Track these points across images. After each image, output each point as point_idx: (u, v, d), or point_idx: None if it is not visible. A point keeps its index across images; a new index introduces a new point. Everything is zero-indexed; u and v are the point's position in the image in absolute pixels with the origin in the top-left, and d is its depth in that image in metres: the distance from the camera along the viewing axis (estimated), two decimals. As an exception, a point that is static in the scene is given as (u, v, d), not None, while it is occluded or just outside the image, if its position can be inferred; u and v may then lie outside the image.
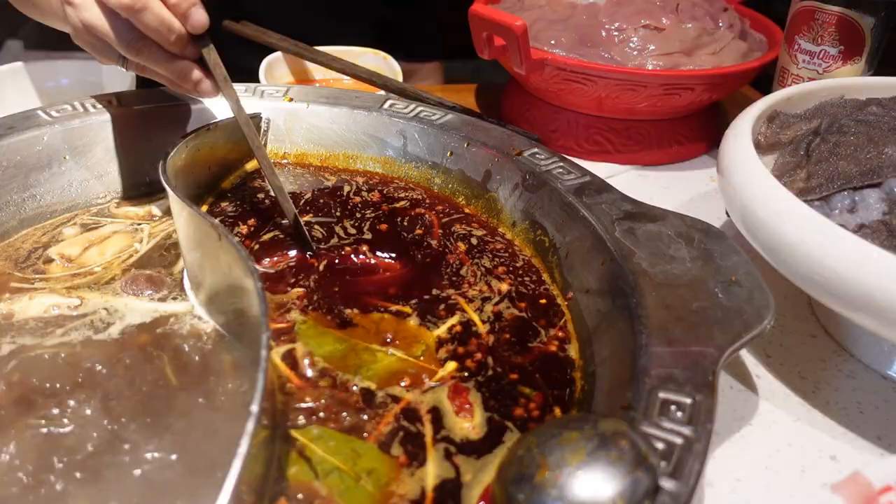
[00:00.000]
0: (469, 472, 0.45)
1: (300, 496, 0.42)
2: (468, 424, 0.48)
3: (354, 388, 0.50)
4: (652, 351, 0.46)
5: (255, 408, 0.37)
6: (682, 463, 0.38)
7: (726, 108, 0.97)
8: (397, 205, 0.69)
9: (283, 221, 0.65)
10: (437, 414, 0.49)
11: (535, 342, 0.55)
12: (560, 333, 0.55)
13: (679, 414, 0.41)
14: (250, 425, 0.36)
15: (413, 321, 0.56)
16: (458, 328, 0.56)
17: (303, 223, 0.63)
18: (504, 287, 0.60)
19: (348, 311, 0.57)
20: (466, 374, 0.52)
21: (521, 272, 0.62)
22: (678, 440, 0.40)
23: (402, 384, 0.51)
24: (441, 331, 0.56)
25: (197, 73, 0.61)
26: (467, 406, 0.49)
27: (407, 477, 0.44)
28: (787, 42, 0.81)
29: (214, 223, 0.49)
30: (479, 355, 0.53)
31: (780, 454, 0.52)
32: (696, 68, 0.81)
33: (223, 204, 0.68)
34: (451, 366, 0.53)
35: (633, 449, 0.37)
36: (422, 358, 0.53)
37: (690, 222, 0.57)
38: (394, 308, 0.57)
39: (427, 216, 0.68)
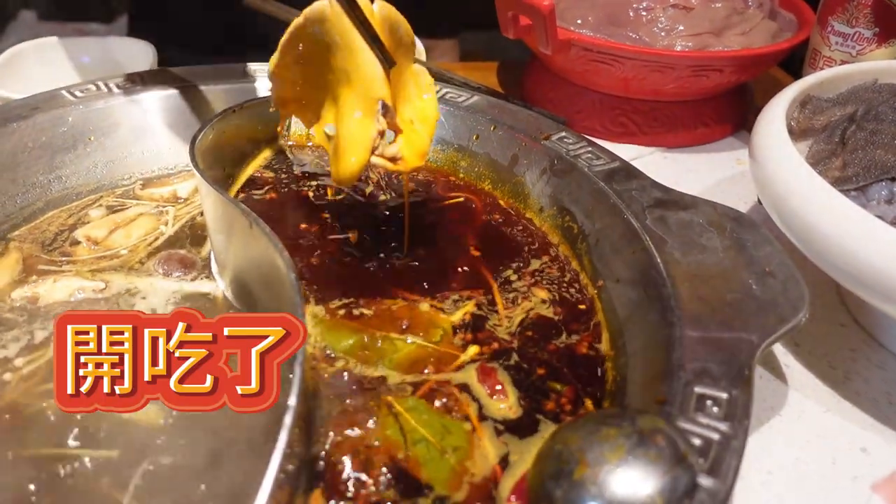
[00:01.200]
0: (516, 452, 0.45)
1: (385, 458, 0.44)
2: (503, 405, 0.48)
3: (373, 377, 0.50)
4: (686, 344, 0.45)
5: (293, 401, 0.37)
6: (719, 460, 0.38)
7: (753, 89, 0.95)
8: (420, 189, 0.69)
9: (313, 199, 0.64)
10: (470, 395, 0.49)
11: (564, 332, 0.54)
12: (590, 324, 0.55)
13: (715, 409, 0.41)
14: (288, 419, 0.36)
15: (425, 306, 0.56)
16: (473, 312, 0.56)
17: None
18: (530, 274, 0.60)
19: (363, 301, 0.56)
20: (490, 355, 0.52)
21: (548, 259, 0.61)
22: (715, 436, 0.39)
23: (426, 371, 0.50)
24: (457, 316, 0.55)
25: None
26: (499, 387, 0.49)
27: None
28: (819, 23, 0.79)
29: (246, 210, 0.48)
30: (495, 345, 0.53)
31: (810, 445, 0.52)
32: (726, 49, 0.79)
33: (250, 184, 0.68)
34: (473, 350, 0.52)
35: (672, 446, 0.37)
36: (441, 343, 0.53)
37: (722, 210, 0.56)
38: (408, 295, 0.57)
39: (450, 200, 0.67)
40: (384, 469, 0.43)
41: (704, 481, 0.37)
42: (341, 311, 0.55)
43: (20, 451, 0.43)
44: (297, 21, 0.54)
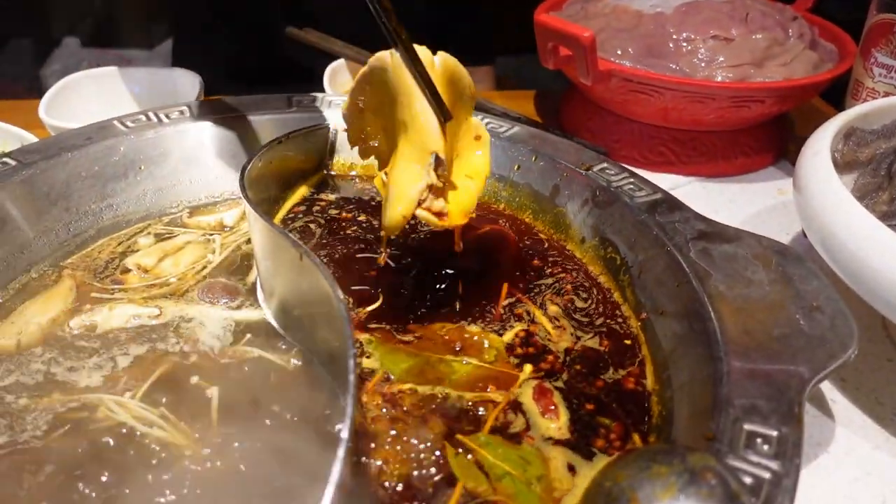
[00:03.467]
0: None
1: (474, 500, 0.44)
2: (554, 425, 0.49)
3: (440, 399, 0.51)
4: (734, 379, 0.45)
5: (345, 434, 0.37)
6: (771, 499, 0.38)
7: (793, 119, 0.95)
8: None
9: (354, 232, 0.65)
10: (522, 412, 0.50)
11: (609, 369, 0.54)
12: (635, 357, 0.55)
13: (766, 447, 0.41)
14: (341, 451, 0.37)
15: (474, 328, 0.57)
16: (523, 334, 0.57)
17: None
18: (573, 305, 0.60)
19: (411, 325, 0.57)
20: (544, 374, 0.53)
21: (590, 291, 0.61)
22: (766, 475, 0.39)
23: (489, 390, 0.51)
24: (508, 337, 0.56)
25: None
26: (552, 407, 0.50)
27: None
28: (861, 55, 0.79)
29: (296, 242, 0.49)
30: (548, 366, 0.54)
31: (859, 483, 0.51)
32: (767, 80, 0.79)
33: (295, 213, 0.69)
34: (529, 368, 0.53)
35: (724, 485, 0.36)
36: (496, 363, 0.54)
37: (767, 244, 0.56)
38: (457, 320, 0.58)
39: (492, 232, 0.68)
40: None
41: (757, 521, 0.37)
42: (396, 336, 0.56)
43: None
44: (363, 69, 0.55)
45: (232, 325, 0.56)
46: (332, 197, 0.72)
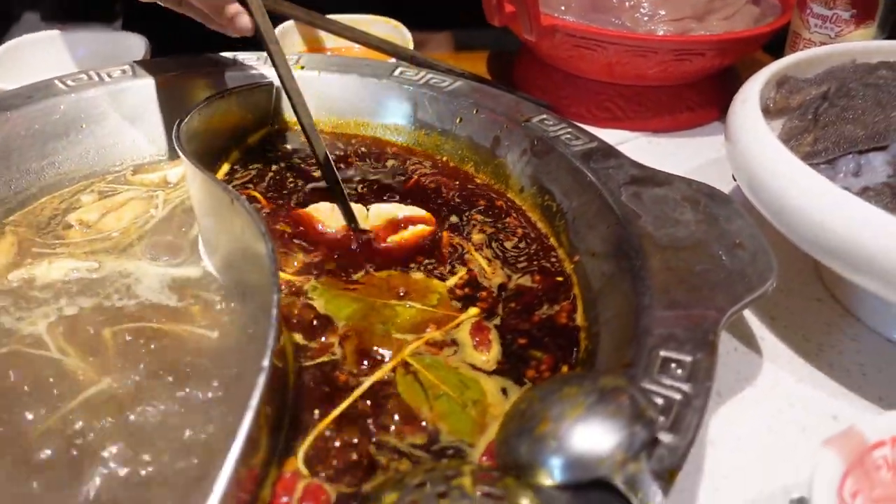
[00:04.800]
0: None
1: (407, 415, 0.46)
2: (484, 357, 0.51)
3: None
4: (654, 312, 0.46)
5: (265, 363, 0.38)
6: (680, 418, 0.39)
7: (740, 74, 0.96)
8: (405, 172, 0.70)
9: (300, 185, 0.66)
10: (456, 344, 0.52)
11: (543, 306, 0.56)
12: (567, 297, 0.56)
13: (679, 371, 0.42)
14: (261, 378, 0.38)
15: (418, 275, 0.58)
16: (466, 278, 0.58)
17: (332, 161, 0.66)
18: (512, 250, 0.61)
19: (356, 273, 0.58)
20: (484, 314, 0.55)
21: (528, 237, 0.63)
22: (677, 396, 0.41)
23: (428, 331, 0.53)
24: (451, 282, 0.58)
25: (234, 7, 0.62)
26: (487, 342, 0.52)
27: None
28: (798, 6, 0.80)
29: (227, 188, 0.50)
30: (485, 308, 0.55)
31: (781, 414, 0.53)
32: (707, 34, 0.80)
33: (237, 169, 0.70)
34: (474, 311, 0.55)
35: (632, 403, 0.38)
36: (439, 306, 0.55)
37: (696, 186, 0.58)
38: (402, 266, 0.59)
39: (433, 183, 0.69)
40: (399, 419, 0.46)
41: (665, 437, 0.38)
42: (339, 283, 0.57)
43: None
44: None
45: (171, 281, 0.57)
46: (279, 152, 0.72)
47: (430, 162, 0.72)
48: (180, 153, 0.56)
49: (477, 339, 0.52)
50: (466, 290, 0.57)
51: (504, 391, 0.49)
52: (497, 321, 0.54)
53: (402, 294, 0.56)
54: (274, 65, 0.65)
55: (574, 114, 0.87)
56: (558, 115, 0.68)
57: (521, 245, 0.62)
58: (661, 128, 0.88)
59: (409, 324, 0.54)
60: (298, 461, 0.43)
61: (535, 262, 0.60)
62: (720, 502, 0.47)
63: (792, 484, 0.47)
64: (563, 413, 0.37)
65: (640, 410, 0.38)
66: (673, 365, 0.43)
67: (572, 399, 0.38)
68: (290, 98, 0.65)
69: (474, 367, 0.50)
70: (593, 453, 0.36)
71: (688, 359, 0.43)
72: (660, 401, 0.40)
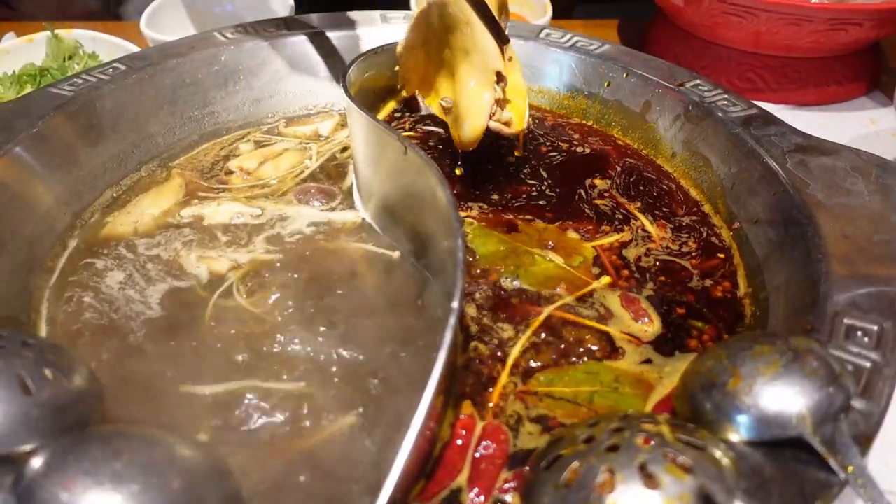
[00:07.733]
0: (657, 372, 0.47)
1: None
2: (649, 329, 0.50)
3: (509, 286, 0.53)
4: (833, 279, 0.45)
5: (455, 304, 0.39)
6: (872, 385, 0.39)
7: (885, 51, 0.92)
8: (553, 137, 0.70)
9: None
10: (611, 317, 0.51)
11: (700, 275, 0.55)
12: (726, 264, 0.55)
13: (866, 339, 0.41)
14: (453, 319, 0.39)
15: (574, 234, 0.58)
16: (614, 245, 0.57)
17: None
18: (665, 217, 0.60)
19: (515, 218, 0.59)
20: (631, 286, 0.54)
21: (681, 203, 0.62)
22: (867, 364, 0.40)
23: (557, 290, 0.53)
24: (601, 242, 0.58)
25: None
26: (643, 314, 0.51)
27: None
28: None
29: (400, 136, 0.51)
30: (633, 279, 0.55)
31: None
32: (867, 2, 0.77)
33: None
34: (605, 279, 0.54)
35: (827, 366, 0.37)
36: (579, 268, 0.55)
37: (867, 157, 0.56)
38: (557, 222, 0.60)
39: (584, 148, 0.68)
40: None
41: (857, 404, 0.37)
42: (497, 222, 0.59)
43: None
44: (422, 7, 0.60)
45: (327, 225, 0.59)
46: (417, 115, 0.73)
47: (575, 125, 0.71)
48: (348, 100, 0.57)
49: (632, 311, 0.51)
50: (613, 257, 0.56)
51: (648, 360, 0.48)
52: (649, 292, 0.53)
53: (549, 246, 0.57)
54: None
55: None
56: (712, 81, 0.66)
57: (677, 212, 0.61)
58: (806, 101, 0.85)
59: (543, 276, 0.54)
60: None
61: (691, 231, 0.59)
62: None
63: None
64: (757, 370, 0.37)
65: (836, 374, 0.37)
66: (859, 333, 0.41)
67: (766, 357, 0.37)
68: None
69: (631, 337, 0.49)
70: (790, 411, 0.35)
71: (874, 327, 0.42)
72: (849, 367, 0.39)
